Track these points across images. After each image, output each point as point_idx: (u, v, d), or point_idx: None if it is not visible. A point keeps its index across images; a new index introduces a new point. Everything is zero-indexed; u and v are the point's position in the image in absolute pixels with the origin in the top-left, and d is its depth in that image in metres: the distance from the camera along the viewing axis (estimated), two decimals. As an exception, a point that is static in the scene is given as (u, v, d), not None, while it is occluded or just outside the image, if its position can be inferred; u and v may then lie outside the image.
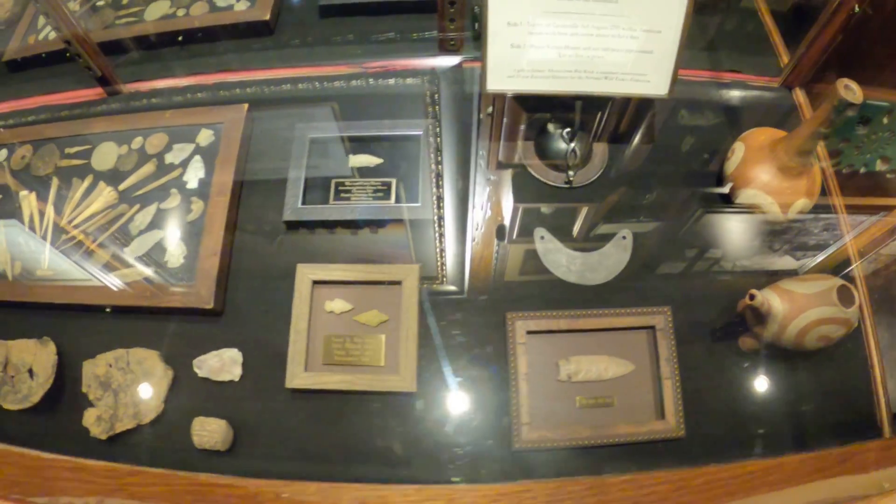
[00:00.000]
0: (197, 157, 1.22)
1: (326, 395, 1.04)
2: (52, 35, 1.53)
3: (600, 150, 1.26)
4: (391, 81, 1.30)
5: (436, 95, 1.24)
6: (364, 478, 0.95)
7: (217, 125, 1.23)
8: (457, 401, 1.05)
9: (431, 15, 1.33)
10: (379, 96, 1.29)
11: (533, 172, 1.22)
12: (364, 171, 1.20)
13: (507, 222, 1.20)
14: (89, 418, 1.11)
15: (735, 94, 1.37)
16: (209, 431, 1.04)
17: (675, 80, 1.12)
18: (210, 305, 1.08)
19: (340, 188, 1.17)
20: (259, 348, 1.08)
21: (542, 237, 1.17)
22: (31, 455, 1.01)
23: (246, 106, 1.23)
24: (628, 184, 1.23)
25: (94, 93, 1.43)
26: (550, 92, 1.13)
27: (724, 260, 1.19)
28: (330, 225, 1.14)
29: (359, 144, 1.20)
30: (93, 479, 0.97)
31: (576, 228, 1.20)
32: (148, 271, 1.14)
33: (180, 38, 1.38)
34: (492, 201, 1.19)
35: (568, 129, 1.20)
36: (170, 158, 1.23)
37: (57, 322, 1.18)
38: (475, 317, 1.10)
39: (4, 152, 1.40)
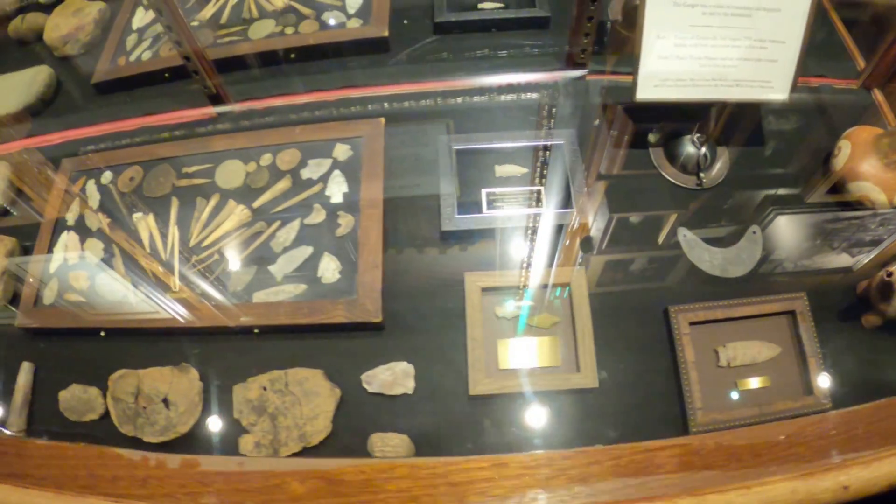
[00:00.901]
0: (337, 172, 1.19)
1: (504, 398, 1.03)
2: (146, 56, 1.50)
3: (722, 152, 1.32)
4: (513, 96, 1.32)
5: (559, 107, 1.26)
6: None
7: (354, 139, 1.21)
8: (628, 392, 1.06)
9: (542, 31, 1.39)
10: (503, 109, 1.30)
11: (666, 176, 1.26)
12: (509, 181, 1.20)
13: (634, 225, 1.23)
14: (246, 445, 1.05)
15: (823, 97, 1.46)
16: (392, 447, 0.99)
17: (794, 86, 1.20)
18: (378, 319, 1.04)
19: (491, 197, 1.18)
20: (428, 358, 1.05)
21: (685, 235, 1.21)
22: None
23: (383, 120, 1.22)
24: (750, 183, 1.28)
25: (199, 112, 1.40)
26: (691, 100, 1.18)
27: (839, 248, 1.26)
28: (488, 234, 1.14)
29: (500, 155, 1.21)
30: None
31: (710, 226, 1.25)
32: (299, 288, 1.10)
33: (293, 56, 1.37)
34: (630, 205, 1.22)
35: (699, 135, 1.25)
36: (306, 174, 1.20)
37: (194, 347, 1.13)
38: (631, 313, 1.12)
39: (109, 174, 1.35)
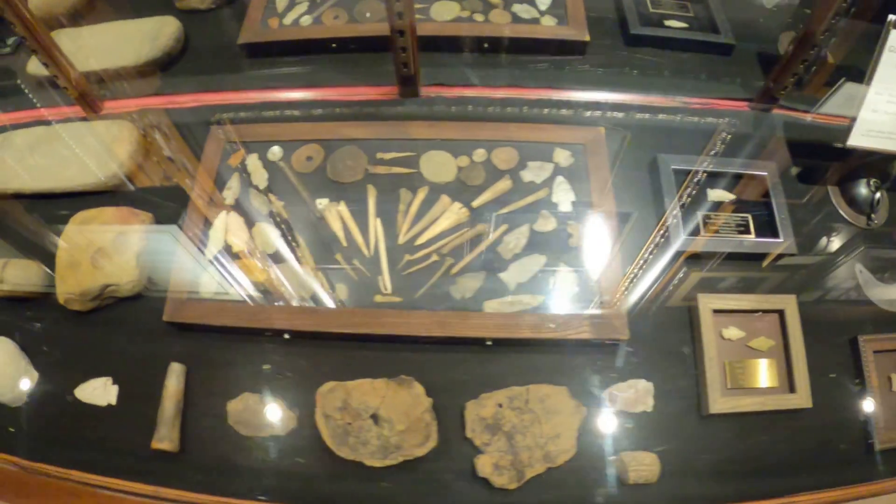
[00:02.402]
0: (561, 178, 1.11)
1: (735, 417, 1.01)
2: (305, 21, 1.33)
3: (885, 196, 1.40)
4: (696, 118, 1.32)
5: (756, 138, 1.28)
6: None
7: (574, 146, 1.14)
8: (827, 412, 1.07)
9: (724, 58, 1.38)
10: (693, 132, 1.28)
11: (842, 213, 1.32)
12: (720, 205, 1.19)
13: (823, 257, 1.27)
14: (484, 467, 0.95)
15: None
16: (646, 465, 0.95)
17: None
18: (625, 336, 0.98)
19: (707, 221, 1.16)
20: (661, 376, 1.01)
21: (861, 271, 1.27)
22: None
23: (602, 129, 1.17)
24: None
25: (377, 91, 1.26)
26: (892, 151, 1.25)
27: None
28: (709, 256, 1.11)
29: (708, 179, 1.20)
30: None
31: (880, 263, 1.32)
32: (536, 300, 1.02)
33: (486, 45, 1.27)
34: (816, 238, 1.26)
35: (874, 180, 1.32)
36: (528, 177, 1.11)
37: (406, 358, 1.02)
38: (818, 341, 1.15)
39: (277, 150, 1.18)
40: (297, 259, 1.06)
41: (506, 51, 1.28)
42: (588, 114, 1.25)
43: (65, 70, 1.28)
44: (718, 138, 1.30)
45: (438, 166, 1.11)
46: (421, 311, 0.99)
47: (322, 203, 1.10)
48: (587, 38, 1.28)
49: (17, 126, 1.42)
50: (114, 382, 1.08)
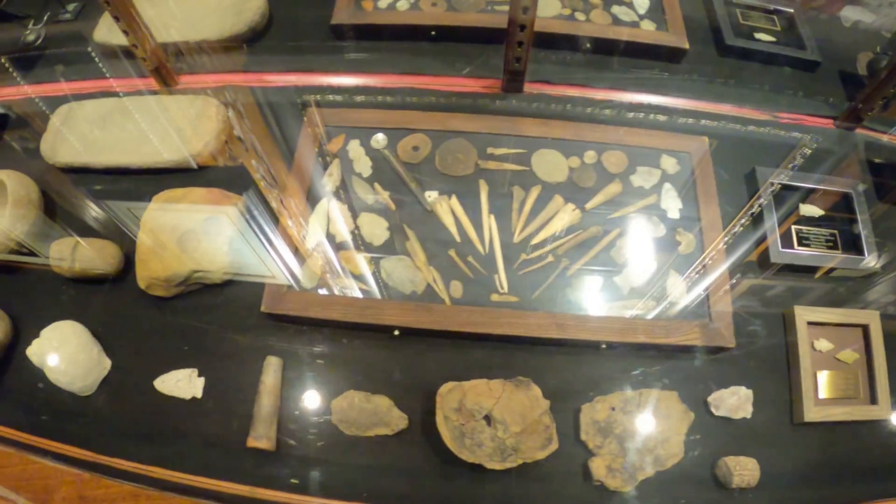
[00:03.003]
0: (668, 185, 1.11)
1: (826, 426, 1.04)
2: (402, 5, 1.29)
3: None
4: (781, 132, 1.34)
5: (844, 157, 1.31)
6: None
7: (679, 153, 1.15)
8: None
9: (809, 74, 1.39)
10: (779, 146, 1.30)
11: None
12: (810, 220, 1.22)
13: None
14: (599, 469, 0.95)
15: None
16: (749, 470, 0.97)
17: None
18: (732, 344, 1.00)
19: (801, 235, 1.19)
20: (754, 384, 1.03)
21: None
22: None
23: (706, 139, 1.17)
24: None
25: (479, 84, 1.23)
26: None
27: None
28: (802, 269, 1.15)
29: (797, 193, 1.23)
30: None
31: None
32: (648, 305, 1.02)
33: (587, 46, 1.25)
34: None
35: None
36: (637, 181, 1.11)
37: (520, 358, 1.01)
38: None
39: (381, 138, 1.14)
40: (408, 253, 1.04)
41: (607, 52, 1.27)
42: (683, 121, 1.26)
43: (143, 40, 1.22)
44: (802, 153, 1.33)
45: (551, 165, 1.10)
46: (539, 313, 0.99)
47: (431, 196, 1.08)
48: (686, 45, 1.29)
49: (79, 97, 1.34)
50: (199, 374, 1.04)
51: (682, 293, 1.04)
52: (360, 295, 1.02)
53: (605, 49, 1.28)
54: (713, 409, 1.01)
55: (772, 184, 1.20)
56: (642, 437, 0.97)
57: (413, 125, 1.14)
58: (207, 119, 1.21)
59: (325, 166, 1.12)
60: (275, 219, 1.09)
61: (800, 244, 1.18)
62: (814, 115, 1.35)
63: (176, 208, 1.12)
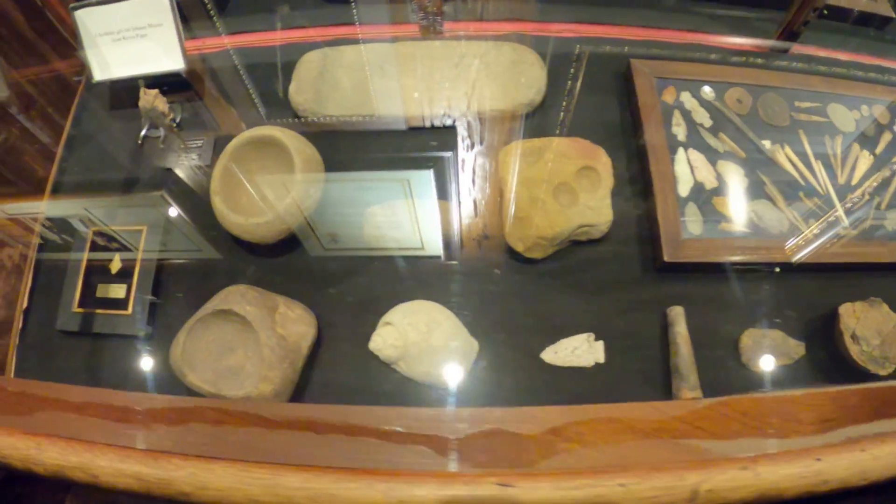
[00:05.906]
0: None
1: None
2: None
3: None
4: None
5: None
6: None
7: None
8: None
9: None
10: None
11: None
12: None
13: None
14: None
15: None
16: None
17: None
18: None
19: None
20: None
21: None
22: None
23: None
24: None
25: (751, 43, 1.31)
26: None
27: None
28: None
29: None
30: None
31: None
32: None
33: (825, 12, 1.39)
34: None
35: None
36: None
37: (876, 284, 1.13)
38: None
39: (709, 91, 1.18)
40: (769, 197, 1.12)
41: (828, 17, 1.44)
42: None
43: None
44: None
45: (841, 117, 1.25)
46: (874, 241, 1.14)
47: (766, 143, 1.16)
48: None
49: (329, 43, 1.16)
50: (596, 339, 1.02)
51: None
52: (753, 235, 1.08)
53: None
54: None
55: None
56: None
57: (728, 79, 1.21)
58: (529, 66, 1.14)
59: (665, 118, 1.14)
60: (642, 168, 1.09)
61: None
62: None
63: (544, 159, 1.05)
